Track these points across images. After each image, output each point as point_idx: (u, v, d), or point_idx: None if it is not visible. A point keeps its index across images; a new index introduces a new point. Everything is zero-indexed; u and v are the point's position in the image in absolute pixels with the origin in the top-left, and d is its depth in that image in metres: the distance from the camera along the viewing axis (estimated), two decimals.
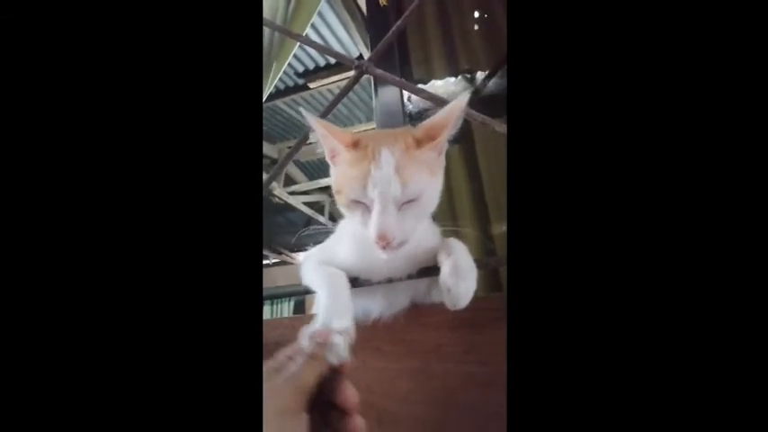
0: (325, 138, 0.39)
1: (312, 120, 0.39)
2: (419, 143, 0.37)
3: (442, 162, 0.40)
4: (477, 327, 0.44)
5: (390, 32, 0.51)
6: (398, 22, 0.52)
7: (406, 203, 0.35)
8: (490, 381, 0.42)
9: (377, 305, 0.43)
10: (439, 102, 0.50)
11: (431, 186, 0.37)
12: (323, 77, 2.37)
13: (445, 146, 0.40)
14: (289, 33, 0.72)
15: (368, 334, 0.45)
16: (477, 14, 1.14)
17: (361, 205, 0.36)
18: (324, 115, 0.52)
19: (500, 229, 0.72)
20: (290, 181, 2.94)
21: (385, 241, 0.34)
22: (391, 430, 0.45)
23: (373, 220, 0.34)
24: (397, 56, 0.91)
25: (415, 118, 1.10)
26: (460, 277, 0.34)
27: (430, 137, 0.37)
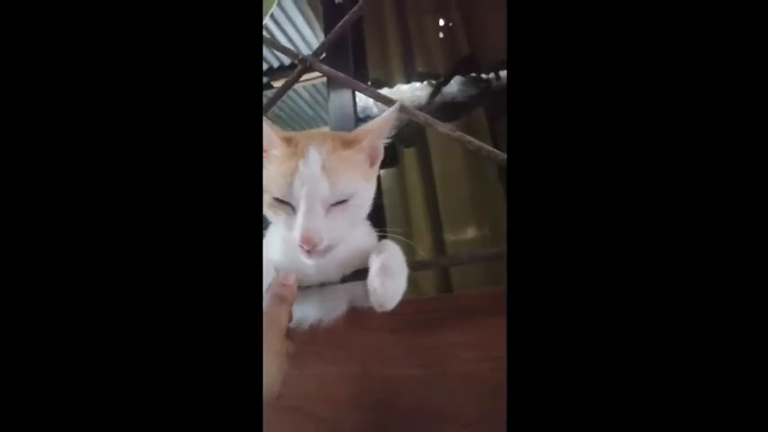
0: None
1: None
2: (346, 145, 0.36)
3: (374, 170, 0.39)
4: (419, 329, 0.43)
5: (338, 26, 0.50)
6: (347, 16, 0.50)
7: (334, 206, 0.34)
8: (431, 383, 0.42)
9: (313, 310, 0.42)
10: (388, 102, 0.49)
11: (361, 189, 0.36)
12: (287, 76, 2.32)
13: (378, 154, 0.39)
14: None
15: (306, 339, 0.43)
16: (441, 23, 1.15)
17: (287, 206, 0.34)
18: (265, 111, 0.50)
19: (452, 233, 0.72)
20: None
21: (310, 244, 0.32)
22: None
23: (298, 221, 0.32)
24: (351, 57, 0.89)
25: (362, 120, 1.10)
26: (387, 276, 0.33)
27: (357, 140, 0.37)
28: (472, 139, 0.42)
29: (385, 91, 1.12)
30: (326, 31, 0.96)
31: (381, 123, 0.37)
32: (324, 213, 0.33)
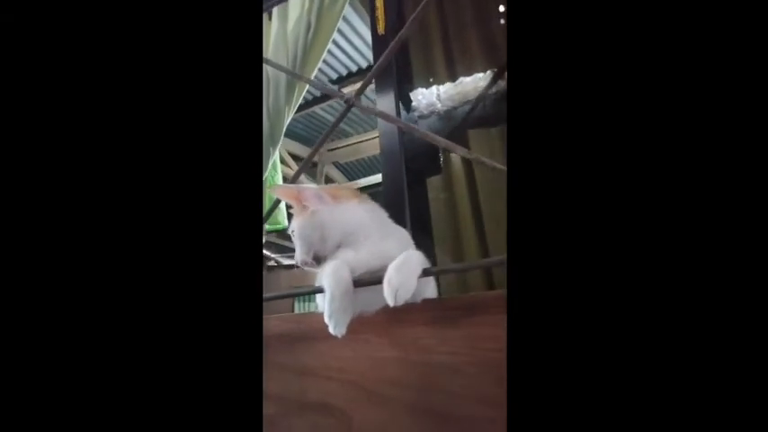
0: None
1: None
2: None
3: (301, 212, 0.58)
4: (447, 323, 0.51)
5: (372, 71, 0.59)
6: (379, 61, 0.59)
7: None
8: (459, 369, 0.50)
9: (357, 304, 0.52)
10: (428, 137, 0.57)
11: (294, 224, 0.58)
12: (355, 82, 2.48)
13: (297, 201, 0.59)
14: (295, 75, 0.81)
15: (358, 327, 0.54)
16: (501, 9, 1.17)
17: None
18: (320, 145, 0.62)
19: (497, 235, 0.77)
20: (329, 182, 3.09)
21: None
22: (379, 409, 0.54)
23: None
24: (394, 73, 0.96)
25: (444, 116, 1.16)
26: (390, 281, 0.43)
27: None
28: (486, 160, 0.48)
29: (447, 86, 1.18)
30: (375, 56, 1.05)
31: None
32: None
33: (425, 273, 0.46)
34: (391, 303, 0.43)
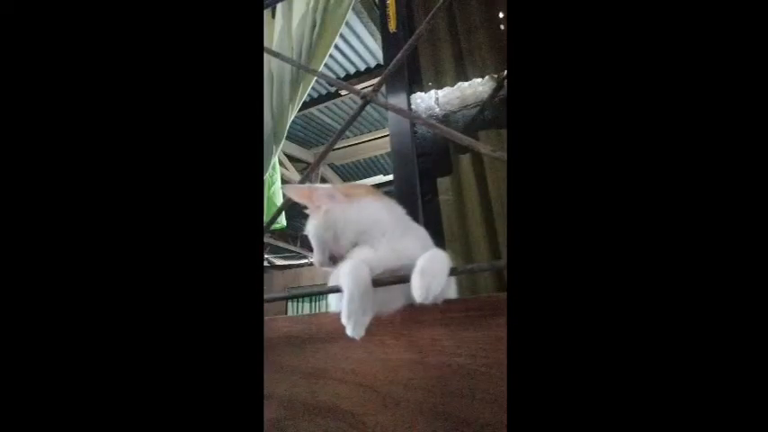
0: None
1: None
2: None
3: (314, 209, 0.58)
4: (467, 324, 0.50)
5: (390, 66, 0.58)
6: (398, 56, 0.58)
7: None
8: (478, 372, 0.48)
9: (375, 304, 0.51)
10: (434, 128, 0.56)
11: (309, 224, 0.58)
12: (353, 84, 2.48)
13: (310, 201, 0.58)
14: (306, 69, 0.80)
15: (372, 328, 0.52)
16: (501, 15, 1.19)
17: None
18: (333, 144, 0.60)
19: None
20: (324, 183, 3.08)
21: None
22: (393, 412, 0.52)
23: None
24: (406, 74, 0.96)
25: (443, 120, 1.16)
26: (422, 275, 0.42)
27: None
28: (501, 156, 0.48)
29: (446, 90, 1.18)
30: (385, 54, 1.04)
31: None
32: None
33: (451, 272, 0.45)
34: (420, 299, 0.41)
